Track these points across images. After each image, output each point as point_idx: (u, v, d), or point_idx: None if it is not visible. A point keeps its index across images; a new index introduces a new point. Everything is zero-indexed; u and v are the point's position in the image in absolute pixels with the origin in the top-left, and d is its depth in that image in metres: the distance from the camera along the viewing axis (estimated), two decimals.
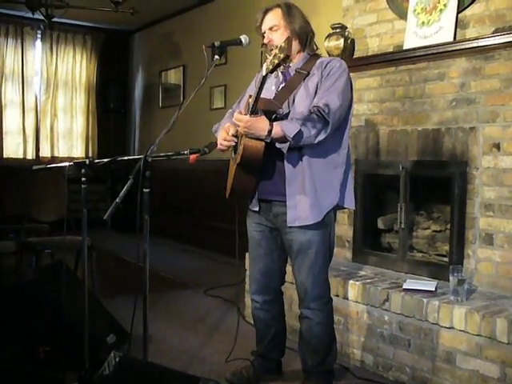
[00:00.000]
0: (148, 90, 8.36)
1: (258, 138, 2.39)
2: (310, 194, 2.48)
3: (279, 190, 2.53)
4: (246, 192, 2.61)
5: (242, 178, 2.54)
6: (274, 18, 2.56)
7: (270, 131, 2.36)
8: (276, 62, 2.25)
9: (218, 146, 2.61)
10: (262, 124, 2.37)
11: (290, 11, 2.56)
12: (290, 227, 2.55)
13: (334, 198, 2.56)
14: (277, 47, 2.29)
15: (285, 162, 2.50)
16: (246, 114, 2.43)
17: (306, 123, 2.37)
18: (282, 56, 2.23)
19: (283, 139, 2.38)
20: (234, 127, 2.59)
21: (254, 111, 2.38)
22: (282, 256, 2.77)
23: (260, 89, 2.34)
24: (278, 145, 2.42)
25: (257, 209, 2.68)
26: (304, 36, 2.59)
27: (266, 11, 2.60)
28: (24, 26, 7.78)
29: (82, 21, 7.96)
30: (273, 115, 2.44)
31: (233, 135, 2.55)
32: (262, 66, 2.38)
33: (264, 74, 2.32)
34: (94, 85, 8.43)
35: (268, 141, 2.38)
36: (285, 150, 2.43)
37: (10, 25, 7.72)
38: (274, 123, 2.39)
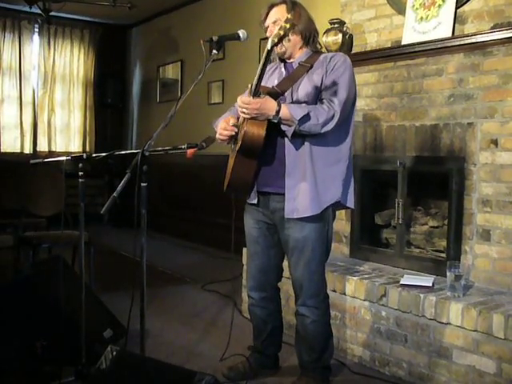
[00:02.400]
0: (146, 85, 8.34)
1: (263, 121, 2.37)
2: (310, 187, 2.46)
3: (279, 181, 2.52)
4: (244, 183, 2.57)
5: (241, 167, 2.50)
6: (278, 12, 2.56)
7: (278, 111, 2.35)
8: (282, 32, 2.20)
9: (218, 136, 2.60)
10: (270, 104, 2.36)
11: (294, 7, 2.56)
12: (288, 223, 2.55)
13: (335, 194, 2.54)
14: (275, 23, 2.26)
15: (286, 152, 2.49)
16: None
17: (314, 111, 2.37)
18: (288, 26, 2.19)
19: (290, 122, 2.37)
20: (234, 118, 2.58)
21: (256, 93, 2.36)
22: (279, 253, 2.76)
23: (264, 65, 2.31)
24: (283, 127, 2.40)
25: (255, 201, 2.65)
26: (307, 32, 2.58)
27: (272, 6, 2.60)
28: (21, 20, 7.75)
29: (80, 15, 7.94)
30: None
31: (233, 125, 2.55)
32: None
33: (269, 48, 2.26)
34: (92, 79, 8.42)
35: (276, 121, 2.36)
36: (289, 134, 2.40)
37: (7, 19, 7.68)
38: (282, 104, 2.38)
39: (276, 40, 2.23)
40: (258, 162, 2.51)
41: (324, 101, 2.44)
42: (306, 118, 2.35)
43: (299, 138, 2.45)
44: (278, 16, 2.54)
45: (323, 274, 2.68)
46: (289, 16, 2.23)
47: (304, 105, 2.42)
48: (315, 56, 2.59)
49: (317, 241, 2.57)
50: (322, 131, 2.41)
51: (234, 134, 2.56)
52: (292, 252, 2.61)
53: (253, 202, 2.67)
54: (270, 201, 2.61)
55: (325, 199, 2.52)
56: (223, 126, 2.58)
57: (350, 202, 2.63)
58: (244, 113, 2.39)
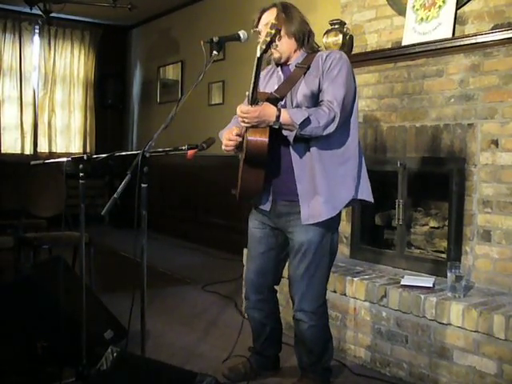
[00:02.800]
0: (146, 86, 8.34)
1: (264, 128, 2.35)
2: (322, 190, 2.44)
3: (290, 190, 2.50)
4: (254, 192, 2.54)
5: (250, 176, 2.48)
6: (270, 16, 2.52)
7: (278, 116, 2.34)
8: (268, 39, 2.20)
9: (224, 148, 2.60)
10: (269, 110, 2.35)
11: (286, 10, 2.54)
12: (293, 226, 2.54)
13: (348, 194, 2.51)
14: (267, 24, 2.25)
15: (293, 160, 2.48)
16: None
17: (314, 114, 2.35)
18: (273, 32, 2.19)
19: (290, 127, 2.36)
20: (238, 128, 2.57)
21: (254, 101, 2.35)
22: (280, 255, 2.75)
23: (257, 73, 2.29)
24: (284, 132, 2.39)
25: (268, 209, 2.62)
26: (301, 34, 2.55)
27: (263, 11, 2.59)
28: (22, 21, 7.76)
29: (80, 16, 7.95)
30: None
31: (237, 134, 2.54)
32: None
33: (258, 56, 2.26)
34: (92, 80, 8.43)
35: (277, 127, 2.34)
36: (291, 139, 2.39)
37: (8, 20, 7.70)
38: (282, 109, 2.37)
39: (264, 47, 2.23)
40: (266, 171, 2.47)
41: (323, 103, 2.42)
42: (306, 121, 2.33)
43: (303, 143, 2.44)
44: (270, 19, 2.53)
45: (324, 279, 2.65)
46: (273, 21, 2.22)
47: (304, 108, 2.41)
48: (311, 56, 2.56)
49: (320, 244, 2.55)
50: (324, 133, 2.38)
51: (239, 142, 2.55)
52: (295, 255, 2.59)
53: (265, 208, 2.63)
54: (277, 206, 2.59)
55: (339, 200, 2.50)
56: (227, 137, 2.57)
57: (369, 196, 2.62)
58: (245, 122, 2.38)
